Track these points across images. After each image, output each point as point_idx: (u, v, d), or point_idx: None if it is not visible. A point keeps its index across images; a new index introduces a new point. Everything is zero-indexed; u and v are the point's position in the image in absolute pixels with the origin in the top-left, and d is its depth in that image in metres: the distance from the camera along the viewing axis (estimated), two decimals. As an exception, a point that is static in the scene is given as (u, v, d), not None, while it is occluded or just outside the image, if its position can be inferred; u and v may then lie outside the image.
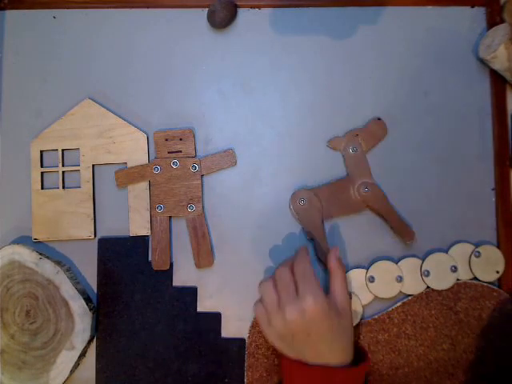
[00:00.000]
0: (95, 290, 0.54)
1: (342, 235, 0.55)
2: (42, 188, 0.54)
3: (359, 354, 0.48)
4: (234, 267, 0.55)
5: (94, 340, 0.53)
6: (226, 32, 0.56)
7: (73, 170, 0.55)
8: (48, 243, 0.54)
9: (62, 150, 0.55)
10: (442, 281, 0.53)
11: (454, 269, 0.53)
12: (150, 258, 0.54)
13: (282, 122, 0.56)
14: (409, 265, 0.53)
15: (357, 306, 0.53)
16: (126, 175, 0.54)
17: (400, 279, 0.53)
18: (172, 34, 0.56)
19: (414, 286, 0.53)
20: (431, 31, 0.56)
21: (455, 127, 0.56)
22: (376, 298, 0.53)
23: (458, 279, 0.53)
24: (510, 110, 0.56)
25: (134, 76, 0.56)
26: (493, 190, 0.55)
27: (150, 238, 0.54)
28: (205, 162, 0.55)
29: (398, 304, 0.53)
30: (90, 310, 0.52)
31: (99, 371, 0.53)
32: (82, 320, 0.51)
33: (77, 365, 0.52)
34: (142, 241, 0.54)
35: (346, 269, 0.52)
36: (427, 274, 0.53)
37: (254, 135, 0.56)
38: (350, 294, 0.52)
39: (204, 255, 0.54)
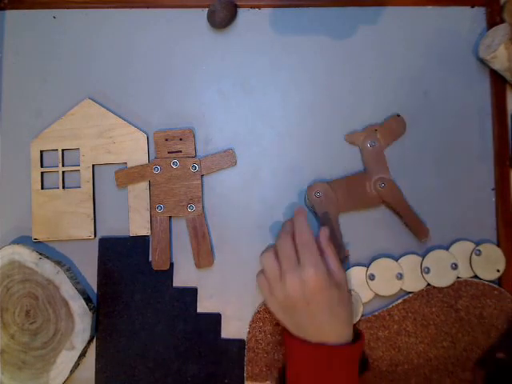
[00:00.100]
0: (95, 290, 0.54)
1: (342, 234, 0.54)
2: (42, 188, 0.54)
3: (355, 335, 0.49)
4: (234, 267, 0.55)
5: (94, 340, 0.53)
6: (225, 32, 0.56)
7: (73, 170, 0.55)
8: (48, 243, 0.54)
9: (62, 150, 0.55)
10: (442, 278, 0.53)
11: (455, 266, 0.53)
12: (150, 258, 0.54)
13: (282, 122, 0.56)
14: (409, 262, 0.54)
15: (357, 304, 0.53)
16: (126, 175, 0.54)
17: (400, 276, 0.53)
18: (172, 34, 0.56)
19: (414, 283, 0.53)
20: (431, 31, 0.56)
21: (455, 127, 0.56)
22: (376, 295, 0.53)
23: (458, 277, 0.54)
24: (510, 110, 0.56)
25: (134, 76, 0.56)
26: (493, 190, 0.55)
27: (150, 238, 0.54)
28: (205, 162, 0.55)
29: (399, 301, 0.53)
30: (90, 309, 0.52)
31: (99, 371, 0.53)
32: (82, 320, 0.51)
33: (77, 365, 0.52)
34: (142, 241, 0.54)
35: (345, 265, 0.53)
36: (427, 271, 0.53)
37: (254, 135, 0.56)
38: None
39: (204, 255, 0.54)
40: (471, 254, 0.54)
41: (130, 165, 0.54)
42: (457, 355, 0.53)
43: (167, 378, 0.53)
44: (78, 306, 0.51)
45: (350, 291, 0.50)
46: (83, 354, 0.52)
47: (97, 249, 0.54)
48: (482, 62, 0.55)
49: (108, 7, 0.56)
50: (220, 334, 0.54)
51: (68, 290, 0.51)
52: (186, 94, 0.56)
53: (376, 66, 0.56)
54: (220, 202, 0.55)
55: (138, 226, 0.54)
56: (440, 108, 0.56)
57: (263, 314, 0.53)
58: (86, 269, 0.54)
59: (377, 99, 0.56)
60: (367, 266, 0.54)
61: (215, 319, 0.54)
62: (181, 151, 0.54)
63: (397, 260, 0.54)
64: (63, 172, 0.55)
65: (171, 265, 0.54)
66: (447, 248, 0.54)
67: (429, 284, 0.53)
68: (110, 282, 0.54)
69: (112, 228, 0.55)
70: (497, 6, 0.56)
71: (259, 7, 0.56)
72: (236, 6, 0.56)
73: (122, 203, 0.54)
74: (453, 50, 0.56)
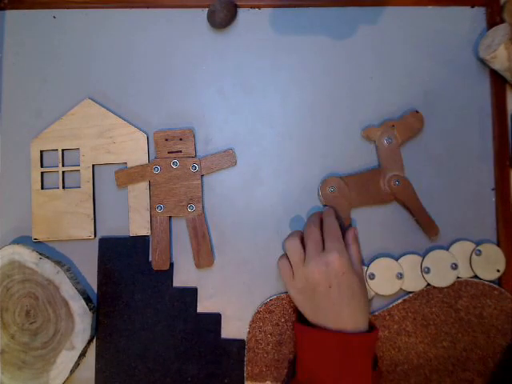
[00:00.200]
0: (95, 290, 0.54)
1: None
2: (42, 188, 0.54)
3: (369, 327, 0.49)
4: (234, 267, 0.55)
5: (94, 340, 0.53)
6: (225, 32, 0.56)
7: (73, 170, 0.55)
8: (48, 243, 0.54)
9: (62, 150, 0.55)
10: (442, 278, 0.53)
11: (455, 266, 0.53)
12: (150, 258, 0.54)
13: (282, 122, 0.56)
14: (409, 262, 0.54)
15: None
16: (126, 175, 0.54)
17: (400, 276, 0.53)
18: (172, 34, 0.56)
19: (414, 283, 0.53)
20: (431, 31, 0.56)
21: (455, 127, 0.56)
22: (376, 295, 0.53)
23: (458, 277, 0.54)
24: (510, 110, 0.56)
25: (133, 76, 0.56)
26: (493, 190, 0.55)
27: (150, 238, 0.54)
28: (205, 162, 0.55)
29: (399, 301, 0.53)
30: (90, 309, 0.52)
31: (99, 371, 0.53)
32: (82, 320, 0.51)
33: (77, 365, 0.52)
34: (142, 241, 0.54)
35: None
36: (427, 271, 0.53)
37: (254, 135, 0.56)
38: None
39: (204, 255, 0.54)
40: (471, 253, 0.54)
41: (130, 165, 0.54)
42: (457, 355, 0.53)
43: (167, 378, 0.53)
44: (78, 306, 0.51)
45: (366, 286, 0.52)
46: (83, 354, 0.52)
47: (97, 249, 0.54)
48: (482, 61, 0.55)
49: (108, 7, 0.56)
50: (220, 334, 0.54)
51: (68, 290, 0.51)
52: (186, 93, 0.56)
53: (376, 66, 0.56)
54: (220, 201, 0.55)
55: (138, 226, 0.54)
56: (440, 108, 0.56)
57: (263, 314, 0.53)
58: (86, 269, 0.54)
59: (377, 99, 0.56)
60: (367, 265, 0.54)
61: (215, 319, 0.54)
62: (181, 151, 0.54)
63: (397, 260, 0.54)
64: (63, 172, 0.55)
65: (171, 265, 0.54)
66: (447, 248, 0.54)
67: (429, 284, 0.53)
68: (109, 281, 0.54)
69: (112, 228, 0.55)
70: (497, 6, 0.56)
71: (259, 7, 0.56)
72: (236, 6, 0.56)
73: (122, 203, 0.54)
74: (453, 50, 0.56)
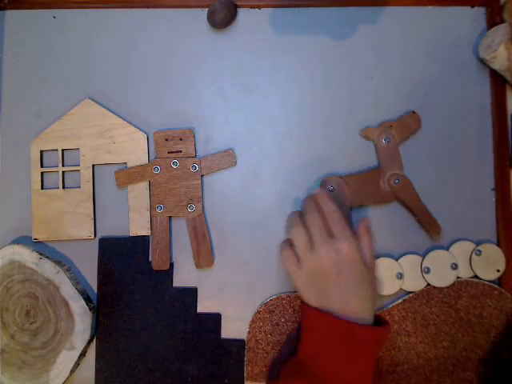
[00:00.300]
0: (95, 290, 0.54)
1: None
2: (42, 188, 0.54)
3: (379, 322, 0.48)
4: (234, 267, 0.55)
5: (94, 340, 0.53)
6: (225, 32, 0.56)
7: (73, 170, 0.55)
8: (48, 243, 0.54)
9: (62, 150, 0.55)
10: (442, 278, 0.53)
11: (455, 266, 0.53)
12: (150, 258, 0.54)
13: (282, 122, 0.56)
14: (409, 262, 0.54)
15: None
16: (126, 175, 0.54)
17: (400, 276, 0.53)
18: (172, 33, 0.56)
19: (414, 283, 0.53)
20: (431, 31, 0.56)
21: (455, 127, 0.56)
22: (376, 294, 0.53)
23: (458, 277, 0.54)
24: (510, 110, 0.56)
25: (133, 76, 0.56)
26: (493, 190, 0.55)
27: (150, 238, 0.54)
28: (205, 161, 0.55)
29: (399, 301, 0.53)
30: (90, 309, 0.52)
31: (99, 371, 0.53)
32: (82, 320, 0.51)
33: (77, 365, 0.52)
34: (142, 241, 0.54)
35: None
36: (427, 271, 0.53)
37: (254, 135, 0.56)
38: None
39: (204, 255, 0.54)
40: (471, 254, 0.54)
41: (130, 165, 0.54)
42: (457, 355, 0.53)
43: (167, 378, 0.53)
44: (78, 306, 0.51)
45: (376, 278, 0.51)
46: (83, 354, 0.52)
47: (97, 249, 0.54)
48: (482, 61, 0.55)
49: (108, 7, 0.56)
50: (220, 334, 0.54)
51: (68, 290, 0.51)
52: (186, 93, 0.56)
53: (376, 66, 0.56)
54: (220, 201, 0.55)
55: (138, 226, 0.54)
56: (440, 108, 0.56)
57: (263, 314, 0.53)
58: (86, 269, 0.54)
59: (377, 99, 0.56)
60: (367, 265, 0.54)
61: (215, 319, 0.54)
62: (181, 151, 0.54)
63: (397, 260, 0.54)
64: (63, 172, 0.55)
65: (171, 265, 0.54)
66: (447, 248, 0.54)
67: (429, 284, 0.53)
68: (109, 281, 0.54)
69: (112, 228, 0.55)
70: (497, 6, 0.56)
71: (259, 7, 0.56)
72: (236, 6, 0.56)
73: (122, 203, 0.54)
74: (453, 50, 0.56)
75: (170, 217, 0.54)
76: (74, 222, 0.54)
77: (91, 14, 0.56)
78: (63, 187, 0.54)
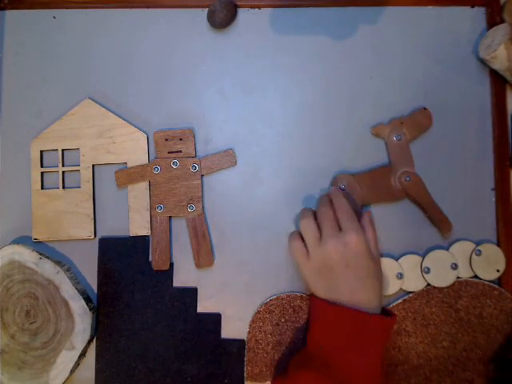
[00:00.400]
0: (95, 290, 0.54)
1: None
2: (42, 188, 0.54)
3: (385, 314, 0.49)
4: (234, 267, 0.55)
5: (94, 340, 0.53)
6: (225, 32, 0.56)
7: (73, 170, 0.55)
8: (48, 243, 0.54)
9: (62, 150, 0.55)
10: (442, 278, 0.53)
11: (455, 266, 0.53)
12: (150, 258, 0.54)
13: (282, 122, 0.56)
14: (409, 262, 0.54)
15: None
16: (126, 175, 0.54)
17: (400, 276, 0.53)
18: (172, 33, 0.56)
19: (414, 283, 0.53)
20: (431, 31, 0.56)
21: (455, 127, 0.56)
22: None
23: (458, 277, 0.54)
24: (510, 110, 0.56)
25: (133, 76, 0.56)
26: (493, 190, 0.55)
27: (150, 238, 0.54)
28: (205, 162, 0.55)
29: (399, 301, 0.53)
30: (90, 309, 0.52)
31: (99, 371, 0.53)
32: (82, 320, 0.51)
33: (77, 365, 0.52)
34: (142, 241, 0.54)
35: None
36: (427, 271, 0.53)
37: (254, 135, 0.56)
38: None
39: (204, 255, 0.54)
40: (471, 254, 0.54)
41: (130, 165, 0.54)
42: (457, 355, 0.53)
43: (167, 378, 0.53)
44: (78, 306, 0.51)
45: (382, 271, 0.51)
46: (83, 354, 0.52)
47: (97, 249, 0.54)
48: (482, 61, 0.55)
49: (108, 7, 0.56)
50: (220, 334, 0.54)
51: (68, 290, 0.51)
52: (186, 93, 0.56)
53: (376, 65, 0.56)
54: (220, 201, 0.55)
55: (138, 226, 0.54)
56: (440, 108, 0.56)
57: (263, 314, 0.53)
58: (86, 269, 0.54)
59: (377, 99, 0.56)
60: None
61: (215, 319, 0.54)
62: (181, 151, 0.54)
63: (397, 260, 0.54)
64: (63, 172, 0.55)
65: (171, 265, 0.54)
66: (447, 248, 0.54)
67: (429, 284, 0.53)
68: (110, 281, 0.54)
69: (112, 228, 0.55)
70: (497, 6, 0.56)
71: (259, 7, 0.56)
72: (236, 6, 0.56)
73: (122, 203, 0.54)
74: (453, 50, 0.56)
75: (170, 217, 0.54)
76: (73, 222, 0.54)
77: (91, 13, 0.56)
78: (63, 187, 0.54)
